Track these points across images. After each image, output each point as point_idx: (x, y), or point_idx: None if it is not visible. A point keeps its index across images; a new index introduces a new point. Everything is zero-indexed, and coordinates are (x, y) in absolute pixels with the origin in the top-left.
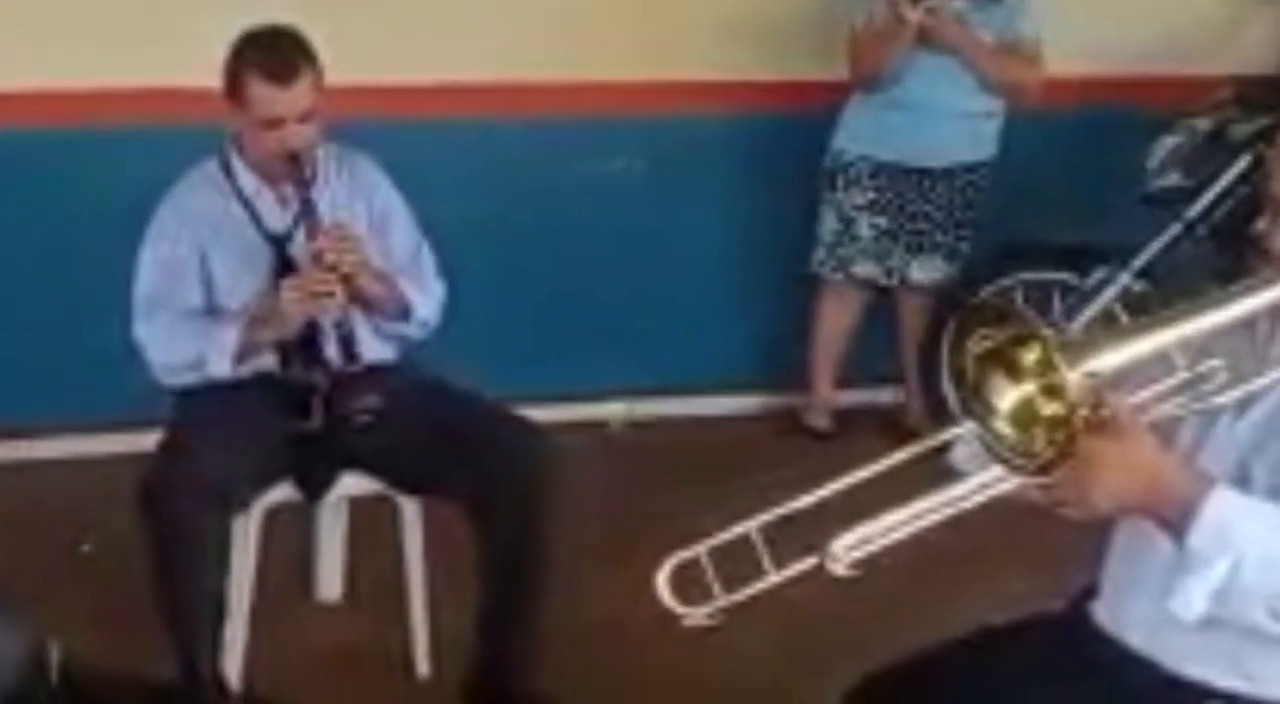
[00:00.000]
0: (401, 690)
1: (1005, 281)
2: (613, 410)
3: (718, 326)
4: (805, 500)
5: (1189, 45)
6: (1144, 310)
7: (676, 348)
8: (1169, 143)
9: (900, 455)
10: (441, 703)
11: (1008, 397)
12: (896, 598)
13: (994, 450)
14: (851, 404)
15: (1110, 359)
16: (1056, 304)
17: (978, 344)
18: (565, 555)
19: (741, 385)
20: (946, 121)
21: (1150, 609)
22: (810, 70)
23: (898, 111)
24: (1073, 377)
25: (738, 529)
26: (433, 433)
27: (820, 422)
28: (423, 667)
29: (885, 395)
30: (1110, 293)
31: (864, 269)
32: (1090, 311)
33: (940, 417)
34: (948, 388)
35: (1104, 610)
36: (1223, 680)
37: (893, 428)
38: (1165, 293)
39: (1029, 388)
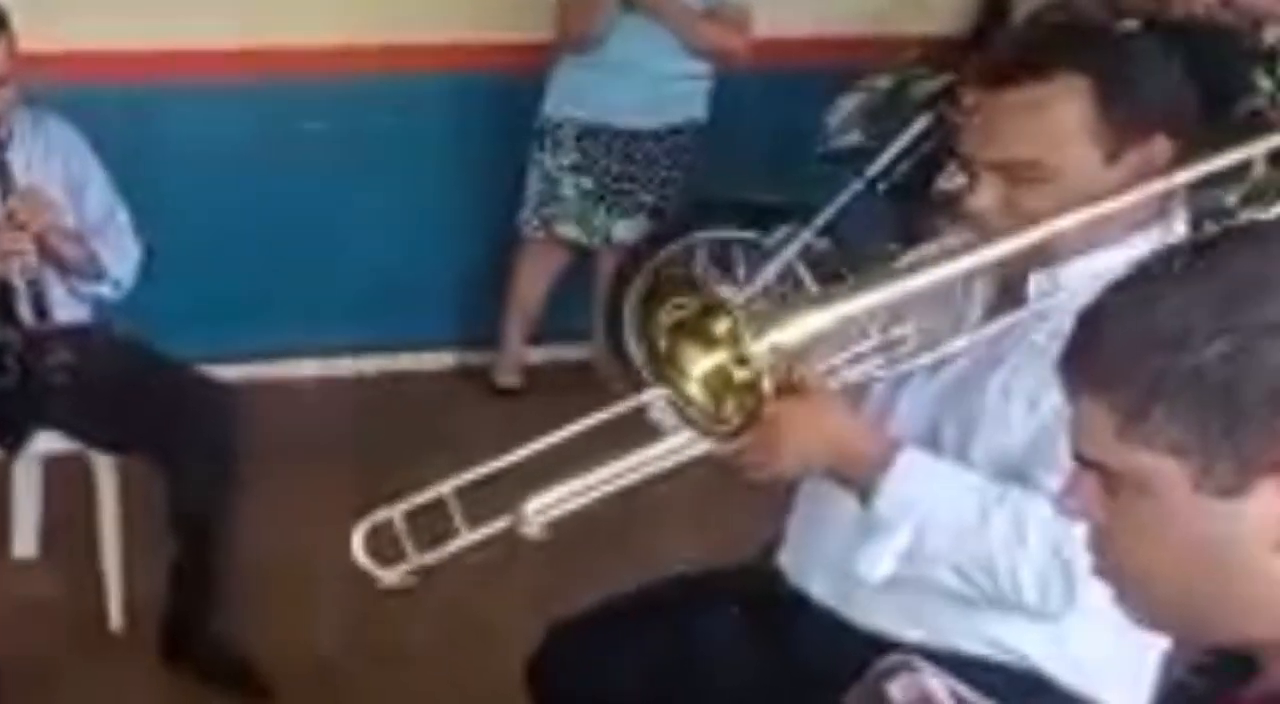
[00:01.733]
0: (96, 644)
1: (689, 240)
2: (308, 369)
3: (415, 286)
4: (497, 464)
5: (882, 7)
6: (825, 267)
7: (373, 307)
8: (850, 102)
9: (596, 418)
10: (135, 656)
11: (699, 364)
12: (601, 550)
13: (686, 416)
14: (541, 361)
15: (798, 330)
16: (740, 262)
17: (670, 314)
18: (257, 510)
19: (437, 343)
20: (653, 84)
21: (832, 561)
22: (519, 32)
23: (605, 74)
24: (759, 348)
25: (433, 492)
26: (126, 391)
27: (510, 379)
28: (116, 621)
29: (574, 352)
30: (792, 250)
31: (567, 229)
32: (772, 269)
33: (627, 370)
34: (636, 350)
35: (788, 559)
36: (903, 632)
37: (581, 384)
38: (846, 250)
39: (720, 356)
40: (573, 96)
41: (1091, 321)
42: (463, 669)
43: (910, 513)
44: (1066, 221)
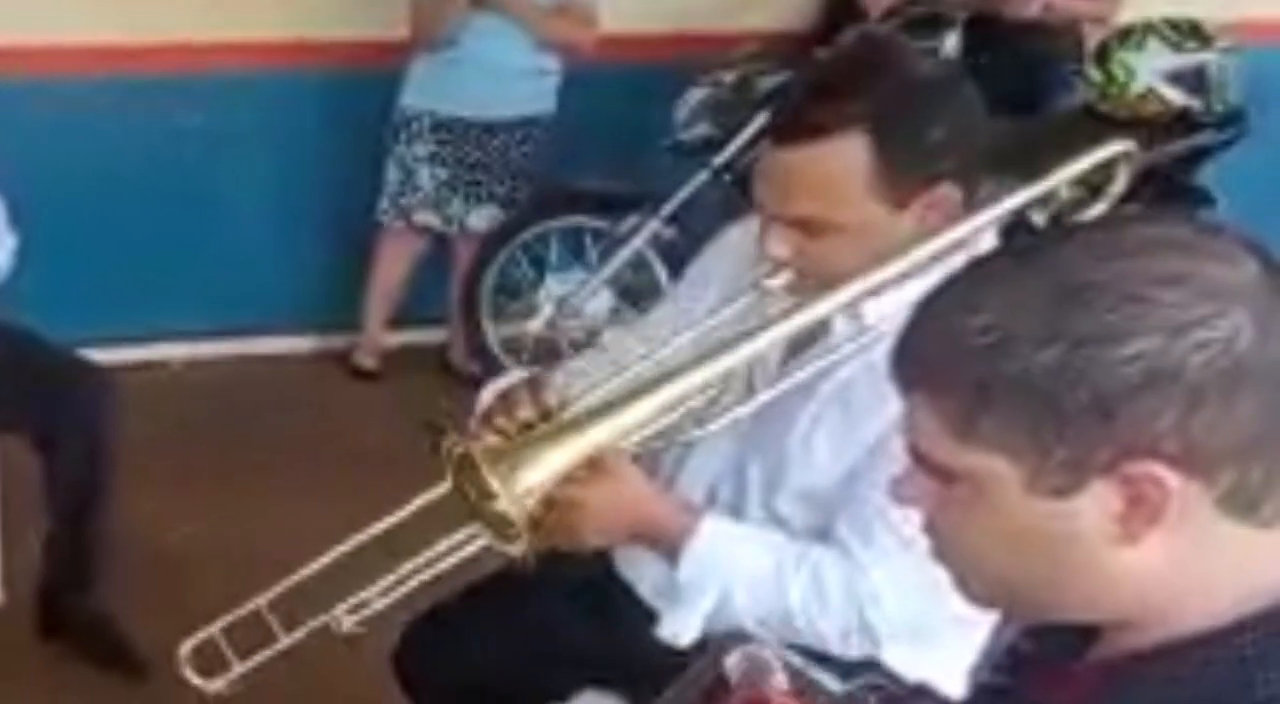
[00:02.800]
0: None
1: (541, 229)
2: (175, 352)
3: (279, 272)
4: (322, 561)
5: (728, 3)
6: (673, 254)
7: (237, 292)
8: (697, 95)
9: (424, 498)
10: (18, 627)
11: (489, 486)
12: None
13: (490, 527)
14: (399, 344)
15: (546, 468)
16: (590, 249)
17: (452, 448)
18: (129, 487)
19: (299, 327)
20: (504, 78)
21: (657, 573)
22: (379, 31)
23: (458, 68)
24: (515, 491)
25: (249, 606)
26: (3, 373)
27: (368, 362)
28: None
29: (432, 335)
30: (641, 238)
31: (424, 217)
32: (622, 256)
33: (481, 355)
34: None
35: (621, 556)
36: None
37: (438, 367)
38: (693, 237)
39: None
40: (428, 90)
41: (917, 325)
42: (332, 664)
43: (715, 578)
44: (862, 286)
